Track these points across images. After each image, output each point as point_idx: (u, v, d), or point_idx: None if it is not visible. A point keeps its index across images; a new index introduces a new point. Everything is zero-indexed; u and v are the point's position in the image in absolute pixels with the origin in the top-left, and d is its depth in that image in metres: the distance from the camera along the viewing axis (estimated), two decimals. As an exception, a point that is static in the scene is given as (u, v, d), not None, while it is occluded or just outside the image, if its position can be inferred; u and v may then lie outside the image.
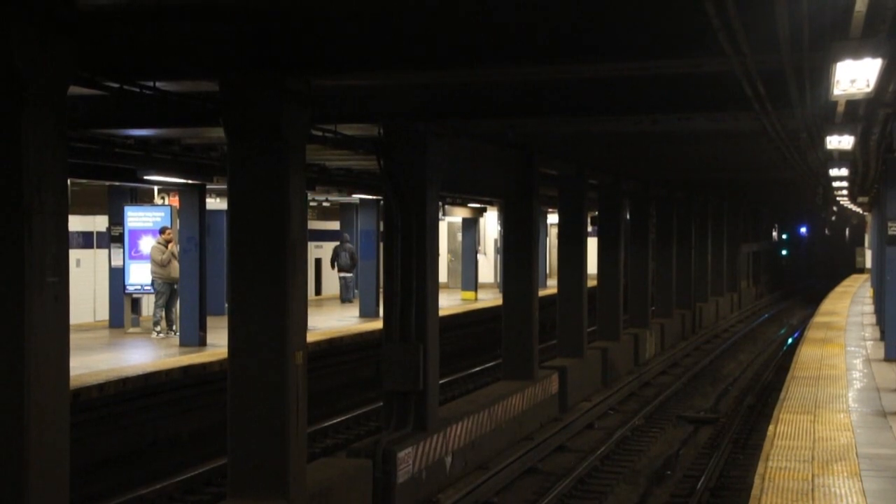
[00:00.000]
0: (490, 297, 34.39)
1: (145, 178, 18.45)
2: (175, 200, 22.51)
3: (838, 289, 46.08)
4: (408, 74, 11.11)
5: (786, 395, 14.96)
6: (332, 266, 31.81)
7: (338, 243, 31.73)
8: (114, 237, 22.98)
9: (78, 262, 24.06)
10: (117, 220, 22.75)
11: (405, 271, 14.60)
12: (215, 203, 25.07)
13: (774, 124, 13.30)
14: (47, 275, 8.18)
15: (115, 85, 10.32)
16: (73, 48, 8.44)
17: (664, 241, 34.04)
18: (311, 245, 31.17)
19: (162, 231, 21.56)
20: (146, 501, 14.26)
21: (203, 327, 20.29)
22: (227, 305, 11.38)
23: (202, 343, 20.03)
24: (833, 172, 20.01)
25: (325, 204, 33.67)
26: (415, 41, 9.89)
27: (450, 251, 39.74)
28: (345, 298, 30.95)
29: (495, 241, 42.14)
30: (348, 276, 30.94)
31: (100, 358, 17.95)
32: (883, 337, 21.87)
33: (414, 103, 13.48)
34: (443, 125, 14.63)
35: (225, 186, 12.24)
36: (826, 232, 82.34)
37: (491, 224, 42.85)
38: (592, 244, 26.44)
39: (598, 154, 21.70)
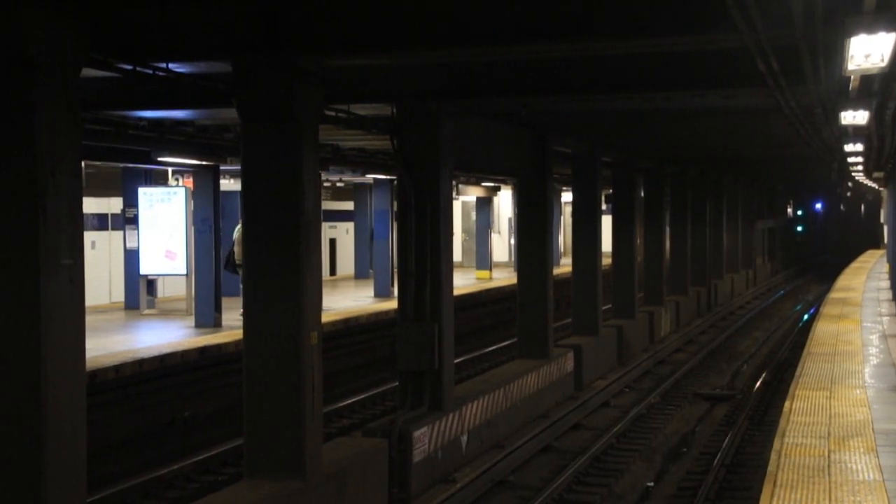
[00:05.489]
0: (505, 276, 34.40)
1: (159, 159, 18.48)
2: (189, 182, 22.52)
3: (854, 265, 45.97)
4: (419, 53, 11.06)
5: (802, 371, 14.94)
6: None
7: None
8: (128, 219, 23.03)
9: (93, 244, 24.13)
10: (131, 201, 22.81)
11: (419, 251, 14.59)
12: (229, 184, 25.09)
13: (788, 100, 13.22)
14: (62, 257, 8.18)
15: (128, 67, 10.31)
16: (85, 31, 8.43)
17: (679, 219, 33.96)
18: (325, 225, 31.29)
19: None
20: (163, 482, 14.34)
21: (218, 308, 20.35)
22: (241, 286, 11.39)
23: (217, 324, 20.10)
24: (848, 148, 19.90)
25: (338, 184, 33.70)
26: (426, 19, 9.84)
27: (464, 230, 39.77)
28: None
29: (510, 219, 42.10)
30: None
31: (115, 339, 18.02)
32: (899, 312, 21.82)
33: (426, 82, 13.42)
34: (456, 104, 14.59)
35: (239, 167, 12.24)
36: (841, 208, 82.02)
37: (505, 203, 42.78)
38: (607, 222, 26.42)
39: (611, 132, 21.64)
